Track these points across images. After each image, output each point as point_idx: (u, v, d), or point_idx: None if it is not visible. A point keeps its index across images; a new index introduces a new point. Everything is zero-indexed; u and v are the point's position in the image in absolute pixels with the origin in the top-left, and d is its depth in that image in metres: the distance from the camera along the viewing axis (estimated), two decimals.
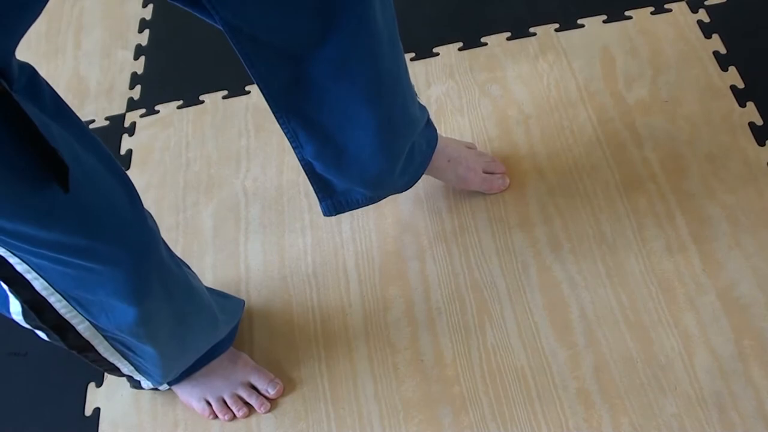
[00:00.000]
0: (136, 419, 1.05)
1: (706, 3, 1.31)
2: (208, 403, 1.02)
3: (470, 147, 1.17)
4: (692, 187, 1.11)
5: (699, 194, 1.10)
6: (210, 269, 1.17)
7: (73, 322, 0.80)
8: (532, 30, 1.34)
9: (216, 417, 1.02)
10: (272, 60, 0.76)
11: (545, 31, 1.33)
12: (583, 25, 1.33)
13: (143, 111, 1.40)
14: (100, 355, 0.88)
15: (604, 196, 1.12)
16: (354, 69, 0.80)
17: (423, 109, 1.01)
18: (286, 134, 0.87)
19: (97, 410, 1.07)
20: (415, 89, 1.29)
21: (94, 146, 0.72)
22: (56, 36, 1.56)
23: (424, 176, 1.10)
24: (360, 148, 0.89)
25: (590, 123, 1.20)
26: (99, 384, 1.09)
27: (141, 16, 1.56)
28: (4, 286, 0.75)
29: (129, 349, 0.89)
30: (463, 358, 1.03)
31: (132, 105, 1.41)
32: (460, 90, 1.29)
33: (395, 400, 1.01)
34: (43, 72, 1.66)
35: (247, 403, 1.02)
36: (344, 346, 1.07)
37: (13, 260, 0.71)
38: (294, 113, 0.84)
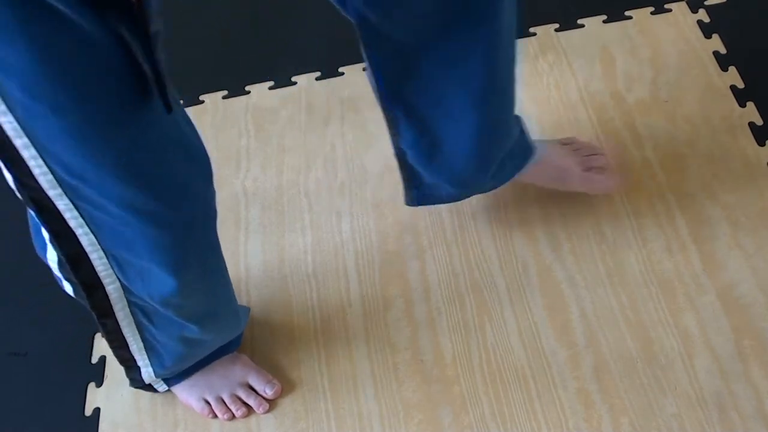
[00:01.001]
0: (136, 419, 1.05)
1: (706, 3, 1.31)
2: (207, 403, 1.02)
3: (566, 142, 1.11)
4: (692, 187, 1.11)
5: (699, 194, 1.10)
6: None
7: (105, 281, 0.80)
8: (532, 30, 1.34)
9: (215, 416, 1.02)
10: (391, 50, 0.79)
11: (545, 31, 1.33)
12: (583, 25, 1.33)
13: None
14: (117, 324, 0.87)
15: (604, 196, 1.12)
16: (469, 69, 0.82)
17: (518, 118, 1.00)
18: (386, 121, 0.89)
19: (97, 410, 1.07)
20: None
21: (182, 107, 0.74)
22: None
23: None
24: (457, 148, 0.90)
25: (590, 123, 1.20)
26: (99, 384, 1.09)
27: None
28: (47, 236, 0.75)
29: (148, 317, 0.88)
30: (463, 358, 1.03)
31: None
32: None
33: (395, 400, 1.01)
34: None
35: (246, 403, 1.02)
36: (344, 346, 1.07)
37: (69, 214, 0.71)
38: (399, 102, 0.86)
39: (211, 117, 1.36)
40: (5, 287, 1.23)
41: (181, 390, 1.03)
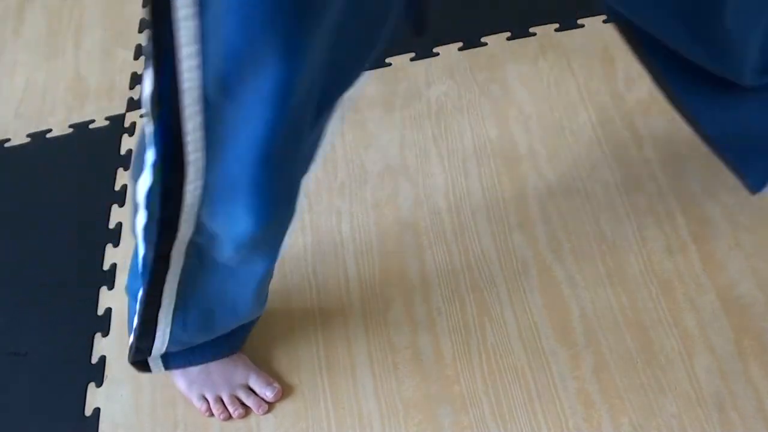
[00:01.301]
0: (136, 419, 1.05)
1: None
2: (207, 401, 1.02)
3: None
4: (692, 187, 1.11)
5: (699, 194, 1.10)
6: None
7: (183, 218, 0.76)
8: (532, 30, 1.34)
9: (212, 414, 1.02)
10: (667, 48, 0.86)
11: (545, 31, 1.33)
12: (583, 25, 1.33)
13: (143, 111, 1.39)
14: (165, 270, 0.84)
15: (604, 196, 1.13)
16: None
17: None
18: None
19: (97, 410, 1.07)
20: (416, 89, 1.30)
21: None
22: (56, 36, 1.56)
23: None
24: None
25: (590, 123, 1.20)
26: (99, 384, 1.09)
27: (141, 16, 1.56)
28: (150, 159, 0.71)
29: (201, 261, 0.84)
30: (463, 358, 1.03)
31: (132, 105, 1.41)
32: (460, 90, 1.29)
33: (395, 399, 1.01)
34: (43, 72, 1.67)
35: (245, 404, 1.02)
36: (344, 345, 1.07)
37: (192, 136, 0.67)
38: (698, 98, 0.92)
39: None
40: (5, 287, 1.23)
41: (180, 382, 1.03)
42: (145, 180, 0.74)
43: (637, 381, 0.97)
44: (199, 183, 0.72)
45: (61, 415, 1.07)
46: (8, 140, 1.41)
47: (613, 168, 1.15)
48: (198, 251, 0.83)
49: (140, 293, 0.88)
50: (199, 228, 0.79)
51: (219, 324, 0.98)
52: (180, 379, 1.03)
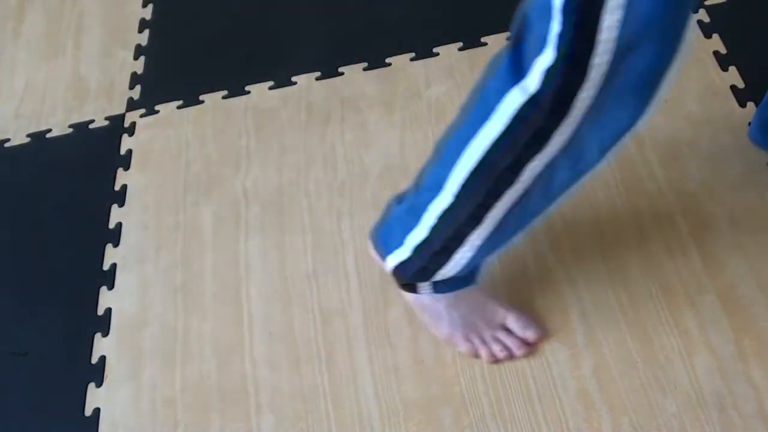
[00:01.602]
0: (136, 419, 1.05)
1: (706, 3, 1.31)
2: (472, 343, 1.00)
3: None
4: (692, 187, 1.11)
5: (699, 194, 1.10)
6: (210, 269, 1.17)
7: (561, 129, 0.67)
8: None
9: (477, 356, 1.01)
10: None
11: None
12: None
13: (143, 111, 1.40)
14: (498, 198, 0.75)
15: (604, 196, 1.13)
16: None
17: None
18: None
19: (97, 410, 1.07)
20: (416, 89, 1.30)
21: None
22: (56, 36, 1.56)
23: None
24: None
25: None
26: (99, 384, 1.09)
27: (141, 16, 1.56)
28: (543, 66, 0.62)
29: (544, 186, 0.75)
30: (463, 358, 1.03)
31: (132, 105, 1.41)
32: (460, 90, 1.29)
33: (395, 400, 1.01)
34: (43, 72, 1.66)
35: (506, 346, 1.00)
36: (344, 346, 1.07)
37: (604, 47, 0.60)
38: None
39: (211, 117, 1.36)
40: (5, 287, 1.23)
41: (443, 329, 1.01)
42: (519, 92, 0.65)
43: (637, 381, 0.97)
44: (595, 92, 0.64)
45: (61, 415, 1.07)
46: (8, 140, 1.41)
47: (613, 168, 1.15)
48: (551, 172, 0.74)
49: (449, 208, 0.79)
50: (570, 144, 0.70)
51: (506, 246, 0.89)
52: (441, 326, 1.00)
